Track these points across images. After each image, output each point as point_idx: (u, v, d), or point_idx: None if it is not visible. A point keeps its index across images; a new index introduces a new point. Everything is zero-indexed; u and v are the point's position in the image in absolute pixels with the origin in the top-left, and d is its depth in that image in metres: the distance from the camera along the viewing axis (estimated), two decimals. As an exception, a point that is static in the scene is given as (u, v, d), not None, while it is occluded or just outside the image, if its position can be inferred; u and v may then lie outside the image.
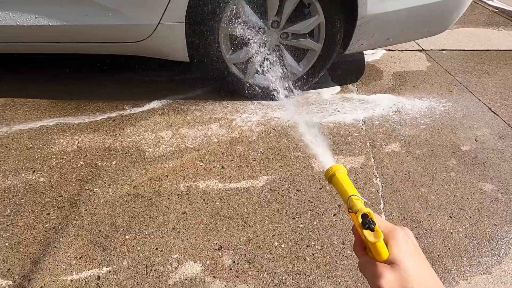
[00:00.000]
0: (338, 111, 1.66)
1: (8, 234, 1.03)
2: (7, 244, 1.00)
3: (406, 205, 1.19)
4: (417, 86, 1.91)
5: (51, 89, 1.72)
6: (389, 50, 2.35)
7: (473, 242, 1.08)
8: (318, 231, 1.09)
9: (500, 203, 1.21)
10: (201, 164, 1.31)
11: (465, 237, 1.09)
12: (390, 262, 0.38)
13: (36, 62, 1.95)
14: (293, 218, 1.12)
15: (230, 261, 0.99)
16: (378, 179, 1.29)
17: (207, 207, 1.14)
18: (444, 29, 1.66)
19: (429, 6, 1.48)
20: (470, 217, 1.16)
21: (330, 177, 0.46)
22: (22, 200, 1.13)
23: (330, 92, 1.82)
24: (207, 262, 0.98)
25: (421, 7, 1.48)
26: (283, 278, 0.96)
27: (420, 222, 1.14)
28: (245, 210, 1.14)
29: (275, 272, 0.97)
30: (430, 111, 1.70)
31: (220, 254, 1.00)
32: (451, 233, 1.10)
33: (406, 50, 2.37)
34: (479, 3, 3.53)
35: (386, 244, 0.39)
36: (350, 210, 0.41)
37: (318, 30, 1.50)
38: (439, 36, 1.82)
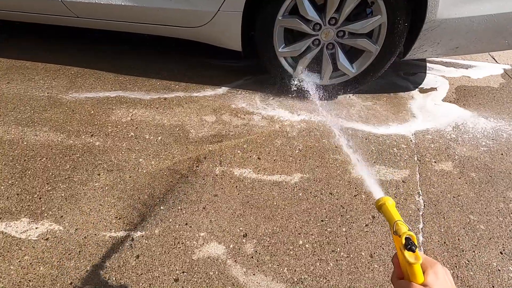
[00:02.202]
0: (388, 118, 1.57)
1: (64, 186, 1.17)
2: (63, 194, 1.14)
3: (450, 230, 1.09)
4: (484, 104, 1.72)
5: (116, 64, 1.88)
6: (455, 60, 2.13)
7: (524, 285, 0.95)
8: (346, 238, 1.05)
9: None
10: (239, 152, 1.34)
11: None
12: (424, 285, 0.41)
13: (104, 39, 2.14)
14: (322, 221, 1.10)
15: (252, 249, 1.00)
16: (421, 196, 1.20)
17: (238, 194, 1.17)
18: (529, 43, 1.46)
19: (514, 15, 1.31)
20: (526, 257, 1.02)
21: (380, 205, 0.53)
22: (80, 159, 1.27)
23: (382, 98, 1.72)
24: (231, 246, 1.01)
25: (504, 15, 1.31)
26: (303, 277, 0.95)
27: (463, 251, 1.03)
28: (275, 203, 1.15)
29: (295, 270, 0.96)
30: (495, 133, 1.52)
31: (244, 241, 1.03)
32: (499, 270, 0.99)
33: (476, 62, 2.13)
34: None
35: (424, 272, 0.43)
36: (395, 233, 0.46)
37: (378, 31, 1.42)
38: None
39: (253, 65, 1.95)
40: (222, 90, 1.72)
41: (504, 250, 1.04)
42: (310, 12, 1.37)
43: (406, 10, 1.33)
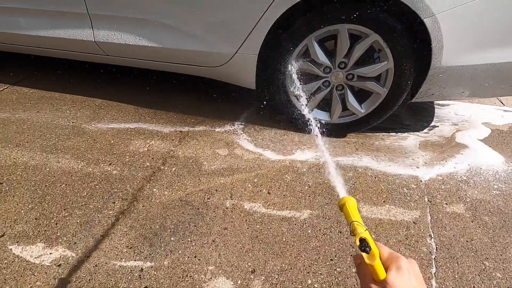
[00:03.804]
0: (398, 158, 1.59)
1: (80, 213, 1.21)
2: (78, 221, 1.17)
3: (464, 277, 1.06)
4: (493, 147, 1.73)
5: (137, 97, 2.01)
6: (464, 102, 2.18)
7: None
8: (356, 279, 1.03)
9: None
10: (249, 185, 1.37)
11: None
12: (383, 283, 0.42)
13: (127, 73, 2.31)
14: (331, 260, 1.09)
15: (260, 287, 0.99)
16: (433, 239, 1.18)
17: (247, 228, 1.18)
18: (534, 90, 1.50)
19: (516, 64, 1.38)
20: (548, 310, 0.97)
21: (341, 205, 0.54)
22: (97, 187, 1.33)
23: (392, 138, 1.75)
24: (238, 282, 1.00)
25: (507, 64, 1.38)
26: (311, 319, 0.92)
27: (479, 300, 0.99)
28: (284, 239, 1.15)
29: (303, 311, 0.94)
30: (507, 176, 1.51)
31: (252, 277, 1.02)
32: (519, 323, 0.94)
33: (483, 105, 2.18)
34: None
35: (387, 269, 0.43)
36: (352, 234, 0.47)
37: (385, 75, 1.50)
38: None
39: (266, 102, 2.04)
40: (235, 125, 1.79)
41: (523, 301, 0.99)
42: (321, 57, 1.47)
43: (412, 57, 1.42)
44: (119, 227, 1.16)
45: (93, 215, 1.20)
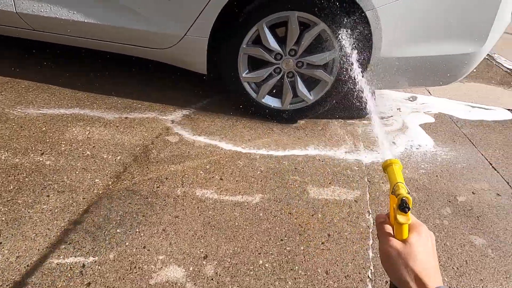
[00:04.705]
0: (344, 143, 1.70)
1: (6, 209, 1.06)
2: (3, 218, 1.03)
3: (395, 246, 1.20)
4: (428, 133, 1.95)
5: (75, 80, 1.81)
6: (405, 93, 2.41)
7: (456, 293, 1.07)
8: (304, 256, 1.10)
9: (489, 259, 1.21)
10: (201, 172, 1.35)
11: (449, 287, 1.08)
12: (404, 241, 0.45)
13: (64, 53, 2.06)
14: (281, 240, 1.14)
15: (213, 271, 1.00)
16: (371, 215, 1.30)
17: (199, 215, 1.17)
18: (453, 81, 1.72)
19: (441, 57, 1.56)
20: (457, 268, 1.16)
21: (386, 165, 0.54)
22: (26, 179, 1.18)
23: (337, 125, 1.87)
24: (191, 269, 0.99)
25: (434, 57, 1.55)
26: (262, 297, 0.96)
27: (406, 264, 1.14)
28: (236, 224, 1.16)
29: (255, 290, 0.97)
30: (432, 157, 1.72)
31: (204, 263, 1.02)
32: (436, 281, 1.10)
33: (415, 94, 2.44)
34: (495, 63, 3.62)
35: (409, 231, 0.46)
36: (393, 193, 0.49)
37: (332, 63, 1.58)
38: (450, 87, 1.88)
39: (218, 87, 2.00)
40: (186, 111, 1.73)
41: (440, 261, 1.16)
42: (272, 43, 1.49)
43: (356, 48, 1.51)
44: (55, 222, 1.05)
45: (23, 211, 1.07)
